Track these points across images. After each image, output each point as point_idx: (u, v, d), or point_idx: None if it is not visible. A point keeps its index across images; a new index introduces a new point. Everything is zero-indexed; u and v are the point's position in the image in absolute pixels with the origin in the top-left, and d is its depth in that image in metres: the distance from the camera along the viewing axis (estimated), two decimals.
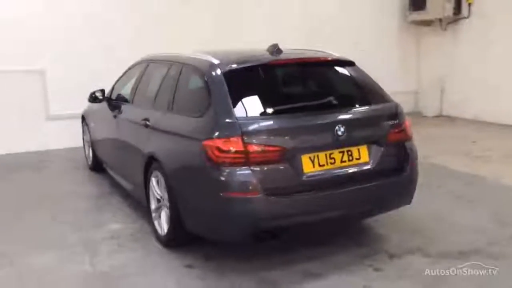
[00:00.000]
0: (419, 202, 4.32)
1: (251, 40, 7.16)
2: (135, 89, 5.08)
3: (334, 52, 4.39)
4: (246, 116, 3.50)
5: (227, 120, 3.46)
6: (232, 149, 3.35)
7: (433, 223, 4.52)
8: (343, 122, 3.63)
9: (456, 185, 5.67)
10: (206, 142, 3.44)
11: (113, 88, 5.69)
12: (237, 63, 3.86)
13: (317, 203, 3.56)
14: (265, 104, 3.65)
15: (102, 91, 5.68)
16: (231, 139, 3.37)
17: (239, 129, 3.39)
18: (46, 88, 7.85)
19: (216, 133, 3.43)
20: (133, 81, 5.23)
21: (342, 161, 3.65)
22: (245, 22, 8.98)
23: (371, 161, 3.76)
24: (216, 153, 3.37)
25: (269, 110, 3.65)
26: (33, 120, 7.87)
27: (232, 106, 3.51)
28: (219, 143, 3.37)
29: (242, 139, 3.36)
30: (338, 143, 3.62)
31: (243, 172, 3.36)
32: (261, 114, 3.60)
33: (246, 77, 3.82)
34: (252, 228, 3.44)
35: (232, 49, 4.66)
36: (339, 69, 4.20)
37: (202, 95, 3.78)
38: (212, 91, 3.67)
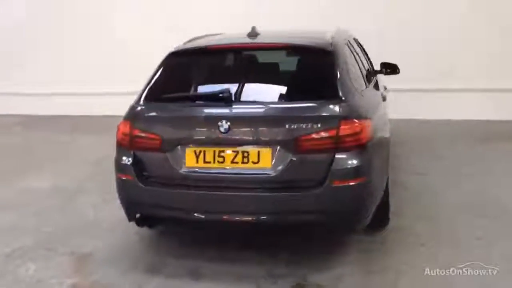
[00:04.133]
0: None
1: None
2: None
3: None
4: (146, 101, 3.59)
5: (133, 102, 3.64)
6: (123, 131, 3.54)
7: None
8: (230, 118, 3.26)
9: None
10: None
11: None
12: (187, 48, 3.87)
13: (195, 201, 3.39)
14: (170, 90, 3.66)
15: None
16: (125, 121, 3.56)
17: (131, 112, 3.54)
18: None
19: (124, 114, 3.66)
20: None
21: (233, 162, 3.30)
22: None
23: (274, 168, 3.24)
24: (118, 132, 3.61)
25: (167, 97, 3.61)
26: None
27: (145, 89, 3.65)
28: (121, 123, 3.60)
29: (130, 123, 3.50)
30: (231, 141, 3.29)
31: (125, 154, 3.52)
32: (158, 100, 3.60)
33: (180, 63, 3.83)
34: (130, 211, 3.56)
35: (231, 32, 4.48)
36: (293, 58, 3.69)
37: None
38: None
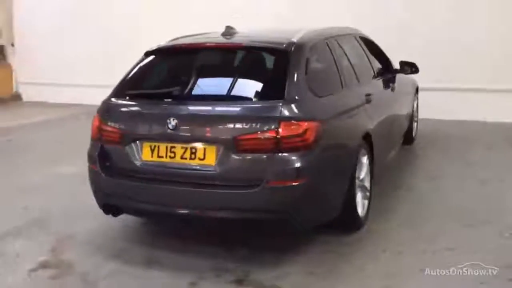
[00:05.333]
0: None
1: None
2: None
3: None
4: (115, 97, 3.81)
5: (105, 98, 3.87)
6: (95, 124, 3.80)
7: None
8: (177, 115, 3.38)
9: None
10: None
11: None
12: (157, 47, 4.03)
13: (149, 193, 3.54)
14: (136, 88, 3.83)
15: None
16: (97, 115, 3.81)
17: (101, 107, 3.79)
18: None
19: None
20: None
21: (182, 157, 3.43)
22: None
23: (217, 165, 3.32)
24: (92, 125, 3.87)
25: (131, 94, 3.80)
26: None
27: (119, 85, 3.87)
28: (94, 117, 3.86)
29: (100, 117, 3.75)
30: (179, 138, 3.43)
31: (94, 146, 3.79)
32: (124, 96, 3.80)
33: (150, 61, 3.98)
34: (97, 199, 3.80)
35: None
36: (251, 58, 3.73)
37: None
38: None
